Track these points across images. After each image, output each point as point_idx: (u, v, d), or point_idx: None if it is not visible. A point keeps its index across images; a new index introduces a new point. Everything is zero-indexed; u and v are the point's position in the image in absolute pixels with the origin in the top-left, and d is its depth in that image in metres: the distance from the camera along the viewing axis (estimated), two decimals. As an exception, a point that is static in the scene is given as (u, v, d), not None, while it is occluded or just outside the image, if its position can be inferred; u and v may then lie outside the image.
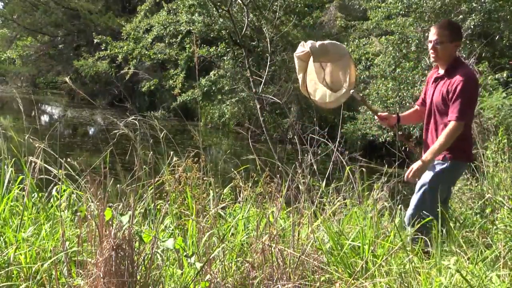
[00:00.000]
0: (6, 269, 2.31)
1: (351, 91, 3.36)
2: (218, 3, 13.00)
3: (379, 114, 3.48)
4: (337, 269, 2.54)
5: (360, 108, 10.89)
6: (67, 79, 2.83)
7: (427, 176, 3.11)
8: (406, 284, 2.30)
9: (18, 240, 2.47)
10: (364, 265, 2.46)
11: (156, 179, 2.93)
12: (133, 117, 2.99)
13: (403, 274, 2.35)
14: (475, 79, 3.19)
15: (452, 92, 3.04)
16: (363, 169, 3.68)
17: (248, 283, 2.40)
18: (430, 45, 3.16)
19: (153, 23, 15.40)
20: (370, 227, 2.80)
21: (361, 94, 2.99)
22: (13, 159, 3.14)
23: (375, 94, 10.15)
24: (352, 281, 2.30)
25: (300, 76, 3.45)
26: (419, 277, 2.33)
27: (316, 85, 3.47)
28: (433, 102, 3.19)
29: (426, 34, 8.89)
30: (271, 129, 12.16)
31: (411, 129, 9.06)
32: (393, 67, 9.98)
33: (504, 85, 6.76)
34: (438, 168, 3.10)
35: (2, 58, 22.64)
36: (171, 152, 3.00)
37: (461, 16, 9.01)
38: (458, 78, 3.03)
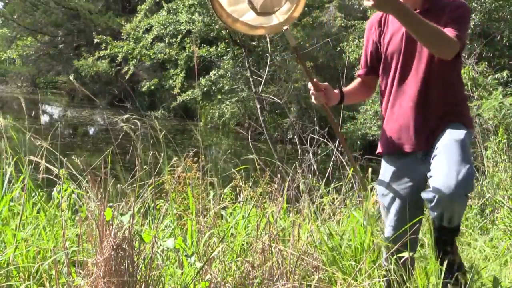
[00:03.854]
0: (6, 269, 2.31)
1: (284, 27, 2.26)
2: (218, 3, 12.97)
3: (315, 81, 2.27)
4: (336, 269, 2.55)
5: (360, 108, 10.90)
6: (71, 77, 2.84)
7: (457, 133, 2.06)
8: (404, 283, 2.30)
9: (17, 240, 2.47)
10: (360, 266, 2.47)
11: (156, 179, 2.93)
12: (128, 115, 2.99)
13: (401, 274, 2.35)
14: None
15: (452, 18, 2.08)
16: (369, 168, 3.67)
17: (248, 283, 2.41)
18: None
19: (153, 23, 15.39)
20: (368, 227, 2.80)
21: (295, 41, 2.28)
22: (15, 158, 3.14)
23: (375, 93, 10.15)
24: (352, 281, 2.30)
25: None
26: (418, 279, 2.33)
27: None
28: (414, 52, 2.15)
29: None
30: (271, 129, 12.16)
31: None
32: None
33: (504, 85, 6.76)
34: (462, 130, 2.07)
35: (2, 58, 22.64)
36: (169, 152, 3.00)
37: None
38: (456, 4, 2.12)
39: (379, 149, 2.32)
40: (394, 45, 2.20)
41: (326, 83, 2.29)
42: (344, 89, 2.37)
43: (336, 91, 2.32)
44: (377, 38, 2.29)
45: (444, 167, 1.92)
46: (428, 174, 2.00)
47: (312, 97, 2.28)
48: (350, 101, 2.45)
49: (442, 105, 2.14)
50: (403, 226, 2.16)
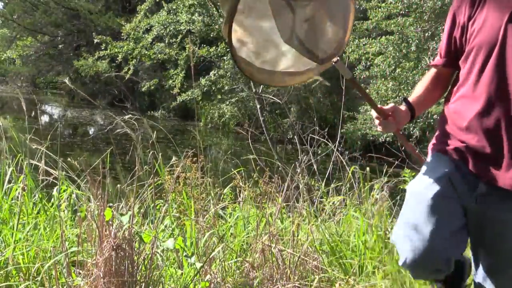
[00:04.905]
0: (5, 269, 2.31)
1: (335, 60, 1.73)
2: (218, 3, 13.00)
3: (380, 108, 1.78)
4: (336, 269, 2.55)
5: (360, 108, 10.89)
6: (66, 80, 2.84)
7: None
8: (403, 283, 2.30)
9: (16, 239, 2.47)
10: (361, 266, 2.47)
11: (156, 179, 2.93)
12: (128, 116, 2.99)
13: (400, 274, 2.36)
14: None
15: None
16: (367, 169, 3.67)
17: (248, 283, 2.40)
18: None
19: (153, 23, 15.38)
20: (368, 227, 2.80)
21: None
22: (17, 158, 3.13)
23: (375, 94, 10.15)
24: (352, 281, 2.30)
25: (227, 12, 1.58)
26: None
27: (267, 41, 1.75)
28: None
29: (426, 34, 8.90)
30: (271, 129, 12.16)
31: (411, 128, 9.01)
32: (393, 67, 9.98)
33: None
34: None
35: (2, 58, 22.65)
36: (169, 152, 3.00)
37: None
38: None
39: (437, 145, 1.76)
40: (485, 34, 1.60)
41: (392, 105, 1.78)
42: (412, 98, 1.84)
43: (403, 107, 1.80)
44: (465, 19, 1.68)
45: None
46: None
47: (379, 127, 1.80)
48: (422, 109, 1.94)
49: None
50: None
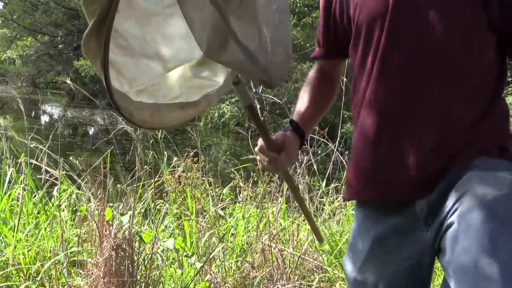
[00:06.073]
0: (6, 270, 2.31)
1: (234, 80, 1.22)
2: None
3: (269, 138, 1.28)
4: (336, 269, 2.55)
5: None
6: (67, 80, 2.83)
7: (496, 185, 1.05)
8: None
9: (16, 240, 2.47)
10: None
11: (156, 179, 2.93)
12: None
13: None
14: None
15: None
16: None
17: (248, 283, 2.41)
18: None
19: (153, 23, 15.39)
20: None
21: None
22: (21, 158, 3.14)
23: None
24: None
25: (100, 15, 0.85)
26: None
27: (146, 56, 1.13)
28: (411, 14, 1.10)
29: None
30: (271, 129, 12.16)
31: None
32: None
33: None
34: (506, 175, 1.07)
35: (2, 58, 22.68)
36: (169, 152, 3.00)
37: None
38: None
39: (346, 193, 1.31)
40: (372, 4, 1.15)
41: (280, 134, 1.31)
42: (297, 114, 1.38)
43: (289, 132, 1.32)
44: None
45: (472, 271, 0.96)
46: (444, 260, 1.06)
47: (269, 166, 1.29)
48: (313, 124, 1.44)
49: (468, 119, 1.12)
50: None
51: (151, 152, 2.77)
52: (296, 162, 3.40)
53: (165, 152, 3.07)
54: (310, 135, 4.33)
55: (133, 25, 1.07)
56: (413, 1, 1.10)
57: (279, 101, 9.20)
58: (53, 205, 2.85)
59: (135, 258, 2.17)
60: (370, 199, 1.25)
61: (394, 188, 1.17)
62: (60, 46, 23.67)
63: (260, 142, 1.28)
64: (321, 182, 3.58)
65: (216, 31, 0.99)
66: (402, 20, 1.10)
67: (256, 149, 1.30)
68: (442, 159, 1.11)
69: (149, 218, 2.83)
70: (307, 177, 3.25)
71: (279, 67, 1.13)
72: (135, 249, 2.19)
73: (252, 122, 1.31)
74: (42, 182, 3.00)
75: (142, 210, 2.88)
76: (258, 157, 1.32)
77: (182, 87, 1.18)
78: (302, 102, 1.41)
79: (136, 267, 2.16)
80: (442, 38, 1.08)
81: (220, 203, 3.18)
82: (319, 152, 4.55)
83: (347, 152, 4.50)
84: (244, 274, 2.46)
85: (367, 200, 1.26)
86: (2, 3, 26.08)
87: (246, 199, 3.26)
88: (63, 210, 2.88)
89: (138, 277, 2.18)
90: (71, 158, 2.94)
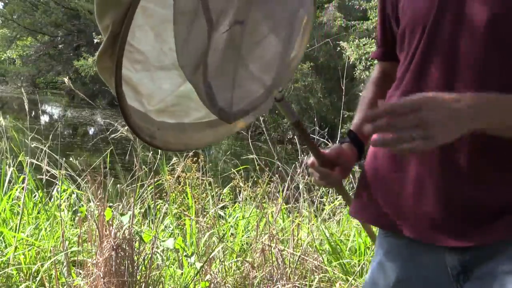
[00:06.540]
0: (6, 269, 2.31)
1: (277, 95, 1.12)
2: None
3: (322, 153, 1.20)
4: (336, 269, 2.55)
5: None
6: (66, 80, 2.83)
7: None
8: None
9: (17, 240, 2.47)
10: (362, 265, 2.47)
11: (156, 179, 2.94)
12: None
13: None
14: None
15: None
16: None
17: (248, 283, 2.41)
18: None
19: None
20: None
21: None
22: (21, 157, 3.14)
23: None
24: (352, 281, 2.31)
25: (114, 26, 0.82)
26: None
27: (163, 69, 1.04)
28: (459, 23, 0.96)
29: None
30: (271, 129, 12.16)
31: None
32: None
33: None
34: None
35: (2, 58, 22.68)
36: (169, 152, 3.00)
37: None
38: None
39: (359, 213, 1.18)
40: (417, 5, 1.05)
41: (336, 146, 1.23)
42: (355, 124, 1.26)
43: (346, 145, 1.22)
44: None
45: None
46: None
47: (322, 182, 1.22)
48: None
49: None
50: None
51: (151, 152, 2.77)
52: (296, 162, 3.41)
53: (162, 152, 3.08)
54: (310, 135, 4.32)
55: (149, 34, 0.98)
56: (458, 6, 0.98)
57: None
58: (53, 205, 2.86)
59: (135, 258, 2.17)
60: (392, 230, 1.08)
61: (423, 227, 1.00)
62: (60, 46, 23.67)
63: (312, 157, 1.21)
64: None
65: (198, 50, 0.93)
66: (445, 26, 1.00)
67: (308, 163, 1.22)
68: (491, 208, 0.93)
69: (149, 218, 2.83)
70: (307, 177, 3.25)
71: (247, 103, 1.04)
72: (135, 249, 2.19)
73: (300, 138, 1.18)
74: (42, 182, 3.00)
75: (142, 210, 2.89)
76: (309, 170, 1.23)
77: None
78: (362, 107, 1.28)
79: (136, 267, 2.16)
80: (487, 46, 0.95)
81: (220, 203, 3.18)
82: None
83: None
84: (244, 274, 2.46)
85: (390, 230, 1.09)
86: (2, 3, 26.09)
87: (246, 199, 3.27)
88: (63, 210, 2.88)
89: (138, 277, 2.18)
90: (70, 159, 2.94)
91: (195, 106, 1.03)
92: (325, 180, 1.19)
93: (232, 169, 3.57)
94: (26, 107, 3.07)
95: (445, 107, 0.82)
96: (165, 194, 3.06)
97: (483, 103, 0.86)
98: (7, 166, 3.06)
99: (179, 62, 0.91)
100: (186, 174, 3.05)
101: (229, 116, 1.01)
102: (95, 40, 16.39)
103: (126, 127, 2.89)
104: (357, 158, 1.24)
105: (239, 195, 3.44)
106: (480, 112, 0.85)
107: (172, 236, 2.72)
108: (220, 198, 3.40)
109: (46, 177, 2.92)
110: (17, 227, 2.51)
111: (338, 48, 11.43)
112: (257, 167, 3.45)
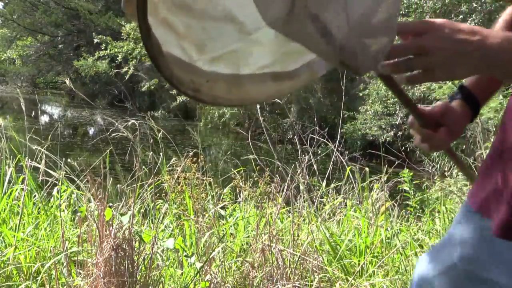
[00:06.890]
0: (5, 269, 2.31)
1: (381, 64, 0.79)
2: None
3: (424, 112, 1.00)
4: (336, 269, 2.55)
5: (360, 108, 10.89)
6: (67, 80, 2.83)
7: None
8: (404, 283, 2.30)
9: (17, 239, 2.47)
10: (362, 265, 2.47)
11: (155, 179, 2.93)
12: (133, 119, 3.00)
13: (400, 274, 2.36)
14: None
15: None
16: (367, 168, 3.67)
17: (248, 283, 2.41)
18: None
19: (153, 23, 15.37)
20: (368, 227, 2.80)
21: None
22: (19, 157, 3.14)
23: (375, 94, 10.15)
24: (352, 281, 2.30)
25: None
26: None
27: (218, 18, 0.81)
28: None
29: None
30: (271, 129, 12.16)
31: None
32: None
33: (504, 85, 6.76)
34: None
35: (2, 58, 22.68)
36: (169, 152, 3.00)
37: (461, 17, 9.03)
38: None
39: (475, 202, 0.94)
40: None
41: (441, 104, 1.03)
42: (470, 79, 1.07)
43: (456, 102, 1.05)
44: None
45: None
46: None
47: (425, 145, 1.03)
48: (493, 90, 1.11)
49: None
50: None
51: (151, 153, 2.77)
52: (296, 162, 3.41)
53: (166, 151, 3.08)
54: (310, 135, 4.33)
55: None
56: None
57: (279, 101, 9.19)
58: (53, 205, 2.86)
59: (135, 258, 2.17)
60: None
61: None
62: (60, 46, 23.68)
63: (411, 120, 1.03)
64: (321, 182, 3.59)
65: None
66: None
67: (408, 122, 1.05)
68: None
69: (148, 218, 2.83)
70: (307, 177, 3.25)
71: (373, 41, 0.78)
72: (135, 249, 2.19)
73: (394, 94, 0.97)
74: (42, 182, 3.00)
75: (142, 210, 2.89)
76: (411, 132, 1.05)
77: (275, 52, 0.87)
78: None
79: (136, 267, 2.16)
80: None
81: (220, 203, 3.18)
82: (319, 152, 4.54)
83: (347, 152, 4.49)
84: (244, 274, 2.46)
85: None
86: (2, 3, 26.09)
87: (246, 199, 3.27)
88: (63, 211, 2.88)
89: (138, 277, 2.18)
90: (69, 160, 2.94)
91: (261, 51, 0.86)
92: (427, 142, 1.01)
93: (232, 169, 3.57)
94: (23, 107, 3.07)
95: (454, 37, 0.70)
96: (164, 194, 3.06)
97: (503, 44, 0.69)
98: (7, 166, 3.06)
99: (266, 18, 0.73)
100: (185, 174, 3.05)
101: (355, 57, 0.75)
102: (95, 40, 16.40)
103: (125, 126, 2.89)
104: (470, 119, 1.05)
105: (239, 195, 3.44)
106: (495, 55, 0.69)
107: (172, 236, 2.72)
108: (221, 198, 3.40)
109: (45, 178, 2.92)
110: (17, 227, 2.51)
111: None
112: (257, 167, 3.45)
